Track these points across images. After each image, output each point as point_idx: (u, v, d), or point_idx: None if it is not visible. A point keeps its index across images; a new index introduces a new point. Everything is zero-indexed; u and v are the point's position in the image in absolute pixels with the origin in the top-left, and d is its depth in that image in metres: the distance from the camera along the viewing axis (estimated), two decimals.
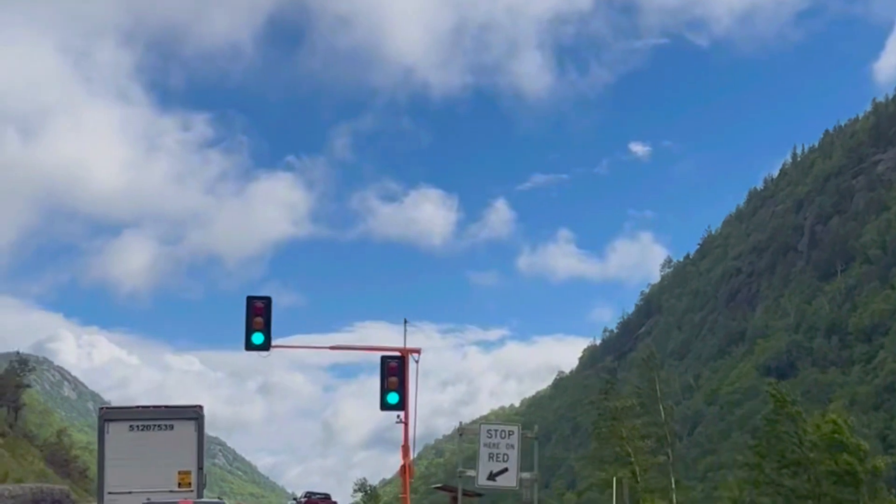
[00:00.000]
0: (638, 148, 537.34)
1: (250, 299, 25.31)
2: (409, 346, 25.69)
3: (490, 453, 22.32)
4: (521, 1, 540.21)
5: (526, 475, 22.75)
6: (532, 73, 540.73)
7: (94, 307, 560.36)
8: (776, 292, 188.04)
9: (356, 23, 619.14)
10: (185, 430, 30.37)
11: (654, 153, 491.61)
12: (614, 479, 38.97)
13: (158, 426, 30.23)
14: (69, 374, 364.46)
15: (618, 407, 53.34)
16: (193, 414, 30.83)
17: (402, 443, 25.43)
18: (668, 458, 53.55)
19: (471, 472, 22.67)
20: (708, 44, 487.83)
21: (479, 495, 26.47)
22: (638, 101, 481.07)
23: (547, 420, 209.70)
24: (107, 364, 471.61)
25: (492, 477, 22.14)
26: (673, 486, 52.70)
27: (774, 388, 49.56)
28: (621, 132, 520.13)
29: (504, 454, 22.37)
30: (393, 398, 25.29)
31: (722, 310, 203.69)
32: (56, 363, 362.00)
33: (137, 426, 30.15)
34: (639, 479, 48.84)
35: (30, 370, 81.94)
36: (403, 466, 25.36)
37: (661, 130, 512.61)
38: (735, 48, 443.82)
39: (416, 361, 25.58)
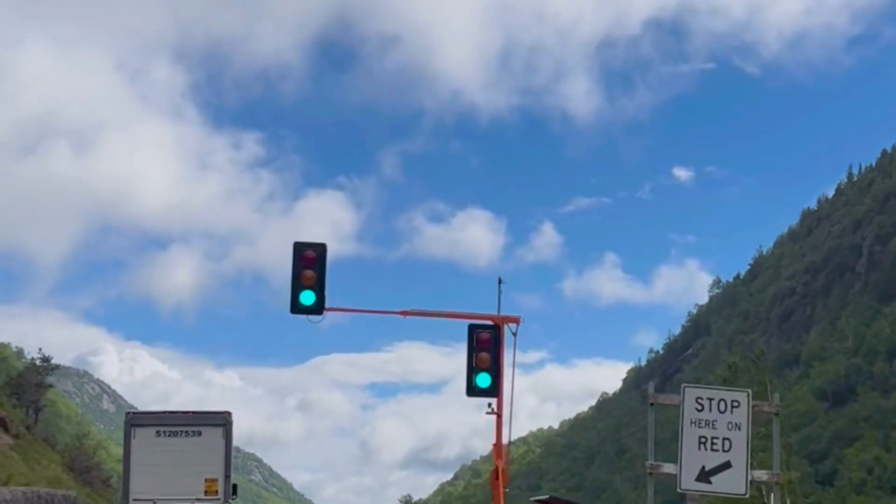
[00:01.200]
0: (681, 173, 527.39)
1: (299, 246, 19.41)
2: (500, 315, 19.62)
3: (701, 437, 13.84)
4: (570, 24, 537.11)
5: (762, 475, 15.12)
6: (579, 96, 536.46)
7: (138, 322, 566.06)
8: (832, 314, 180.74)
9: (404, 43, 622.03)
10: (213, 436, 29.34)
11: (698, 178, 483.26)
12: (766, 494, 31.95)
13: (186, 432, 29.34)
14: (109, 387, 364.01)
15: None
16: (222, 420, 29.67)
17: (494, 440, 19.41)
18: (781, 475, 45.65)
19: (668, 468, 14.13)
20: (755, 68, 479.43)
21: None
22: (683, 126, 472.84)
23: (591, 442, 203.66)
24: (148, 378, 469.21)
25: (705, 476, 13.79)
26: None
27: None
28: (666, 156, 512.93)
29: (725, 439, 13.96)
30: (484, 380, 19.09)
31: (774, 332, 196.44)
32: (97, 376, 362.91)
33: (164, 432, 29.30)
34: (765, 500, 41.04)
35: (52, 369, 76.62)
36: (496, 471, 19.22)
37: (705, 155, 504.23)
38: (784, 73, 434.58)
39: (514, 334, 19.54)
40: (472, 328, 19.40)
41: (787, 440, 49.46)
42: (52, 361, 77.44)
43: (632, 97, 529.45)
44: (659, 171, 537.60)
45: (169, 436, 29.23)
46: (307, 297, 19.20)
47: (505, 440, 19.38)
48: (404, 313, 20.14)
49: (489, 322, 19.45)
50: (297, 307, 19.29)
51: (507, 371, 19.60)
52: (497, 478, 19.08)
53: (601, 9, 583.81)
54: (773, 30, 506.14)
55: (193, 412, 30.53)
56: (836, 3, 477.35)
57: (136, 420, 30.13)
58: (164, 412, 31.31)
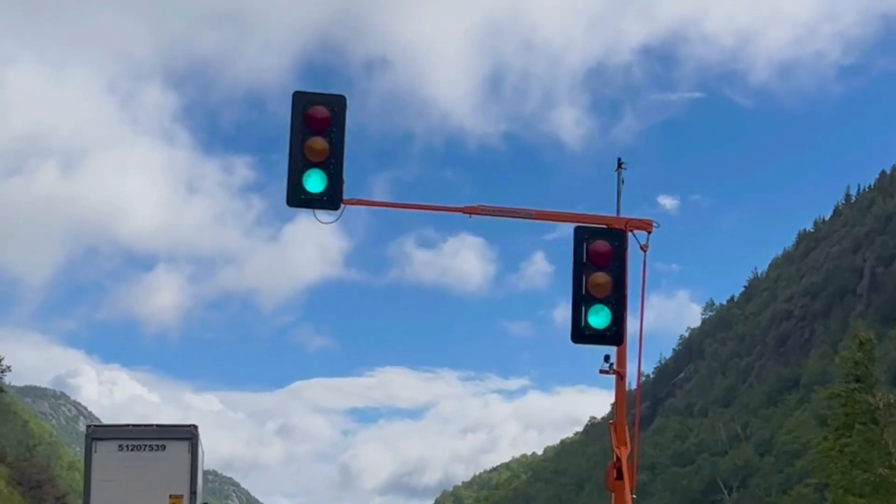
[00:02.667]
0: (666, 201, 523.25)
1: (301, 98, 12.01)
2: (623, 217, 12.35)
3: None
4: (560, 51, 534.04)
5: None
6: (567, 123, 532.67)
7: (119, 344, 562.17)
8: (833, 337, 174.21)
9: (392, 66, 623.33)
10: (178, 450, 28.51)
11: (682, 206, 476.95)
12: None
13: (150, 446, 28.45)
14: (86, 409, 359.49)
15: (881, 404, 38.09)
16: (187, 434, 28.94)
17: (615, 416, 12.10)
18: None
19: None
20: (744, 97, 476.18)
21: None
22: (670, 154, 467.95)
23: (581, 468, 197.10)
24: (127, 401, 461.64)
25: None
26: None
27: None
28: (651, 185, 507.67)
29: None
30: (600, 317, 11.61)
31: (771, 355, 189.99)
32: (74, 399, 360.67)
33: (127, 446, 28.32)
34: None
35: (2, 371, 68.97)
36: (616, 465, 11.82)
37: (691, 184, 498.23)
38: (773, 102, 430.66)
39: (643, 248, 12.16)
40: (580, 234, 11.97)
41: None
42: (4, 363, 70.02)
43: (620, 124, 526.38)
44: (644, 200, 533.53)
45: (132, 450, 28.20)
46: (315, 181, 11.87)
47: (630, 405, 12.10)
48: (468, 210, 12.80)
49: (605, 226, 12.07)
50: (298, 195, 11.97)
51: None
52: (619, 476, 11.62)
53: (591, 36, 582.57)
54: (764, 59, 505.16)
55: (157, 425, 29.68)
56: (827, 34, 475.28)
57: (98, 433, 29.34)
58: (127, 425, 30.43)
